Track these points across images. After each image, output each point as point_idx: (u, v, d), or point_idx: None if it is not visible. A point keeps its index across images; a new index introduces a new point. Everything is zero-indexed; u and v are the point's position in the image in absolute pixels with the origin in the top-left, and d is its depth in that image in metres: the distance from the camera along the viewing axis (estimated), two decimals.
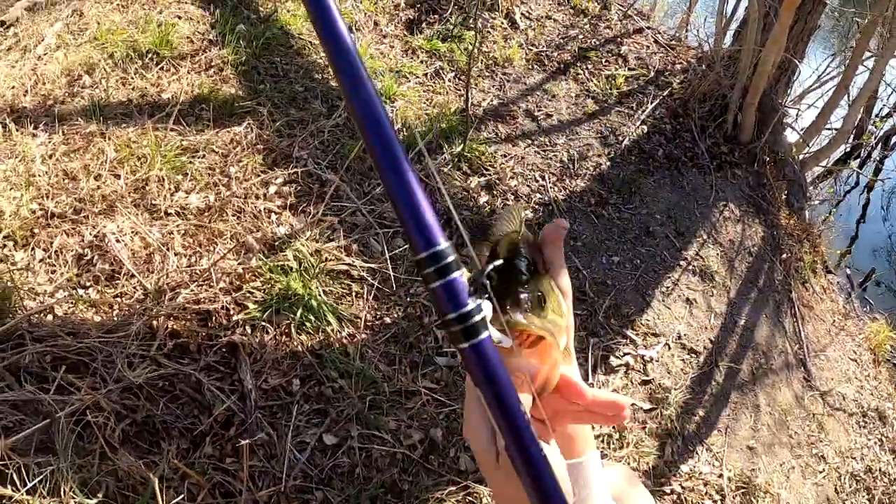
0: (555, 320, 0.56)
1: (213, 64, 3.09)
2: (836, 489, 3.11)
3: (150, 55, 3.10)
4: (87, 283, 2.49)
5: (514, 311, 0.54)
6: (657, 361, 3.00)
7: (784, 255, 3.97)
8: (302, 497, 2.10)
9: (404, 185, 0.50)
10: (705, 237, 3.62)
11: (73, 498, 1.97)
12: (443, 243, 0.50)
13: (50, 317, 2.42)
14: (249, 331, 2.29)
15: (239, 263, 2.37)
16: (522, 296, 0.56)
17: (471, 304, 0.50)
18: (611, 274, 3.19)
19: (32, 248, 2.62)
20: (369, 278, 2.52)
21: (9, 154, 2.91)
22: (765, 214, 4.00)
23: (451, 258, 0.50)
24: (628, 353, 2.95)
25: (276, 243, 2.43)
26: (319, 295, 2.39)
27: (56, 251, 2.56)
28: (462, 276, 0.50)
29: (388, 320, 2.54)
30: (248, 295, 2.34)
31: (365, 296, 2.51)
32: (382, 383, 2.40)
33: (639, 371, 2.92)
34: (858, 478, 3.24)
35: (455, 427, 2.42)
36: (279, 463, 2.12)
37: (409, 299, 2.59)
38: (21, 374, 2.25)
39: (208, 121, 2.79)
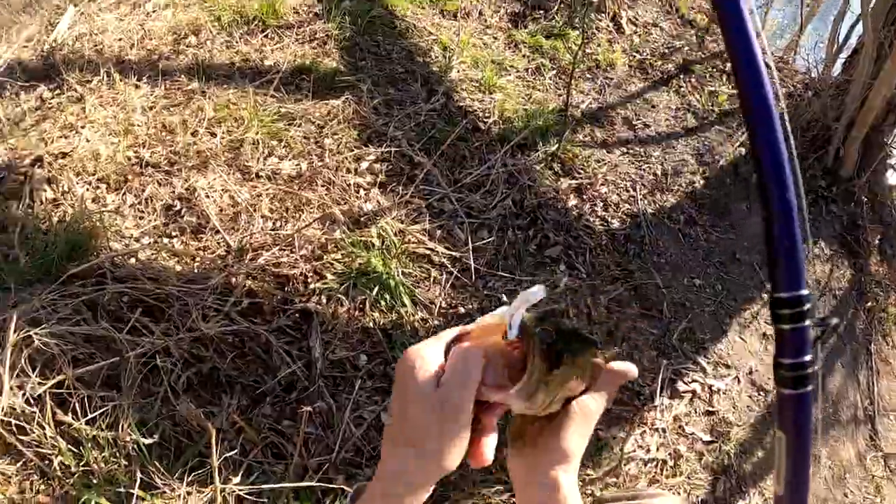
0: (545, 395, 0.61)
1: (316, 36, 3.12)
2: None
3: (256, 22, 3.15)
4: (173, 233, 2.53)
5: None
6: (724, 394, 2.87)
7: (868, 304, 3.75)
8: (350, 470, 2.08)
9: (789, 222, 0.52)
10: None
11: (130, 434, 2.00)
12: (806, 290, 0.51)
13: (133, 260, 2.47)
14: (325, 300, 2.28)
15: (322, 233, 2.36)
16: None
17: (808, 357, 0.52)
18: (690, 296, 3.07)
19: (124, 193, 2.69)
20: (449, 266, 2.48)
21: (111, 102, 3.01)
22: (855, 257, 3.78)
23: (808, 306, 0.51)
24: (696, 381, 2.84)
25: (362, 219, 2.42)
26: (398, 275, 2.36)
27: (146, 199, 2.62)
28: (811, 327, 0.51)
29: (462, 310, 2.50)
30: (327, 265, 2.33)
31: (442, 283, 2.47)
32: None
33: (704, 401, 2.80)
34: None
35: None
36: (334, 434, 2.11)
37: (485, 293, 2.54)
38: (98, 311, 2.31)
39: (307, 91, 2.81)
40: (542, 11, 3.84)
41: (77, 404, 2.03)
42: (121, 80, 3.00)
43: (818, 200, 3.74)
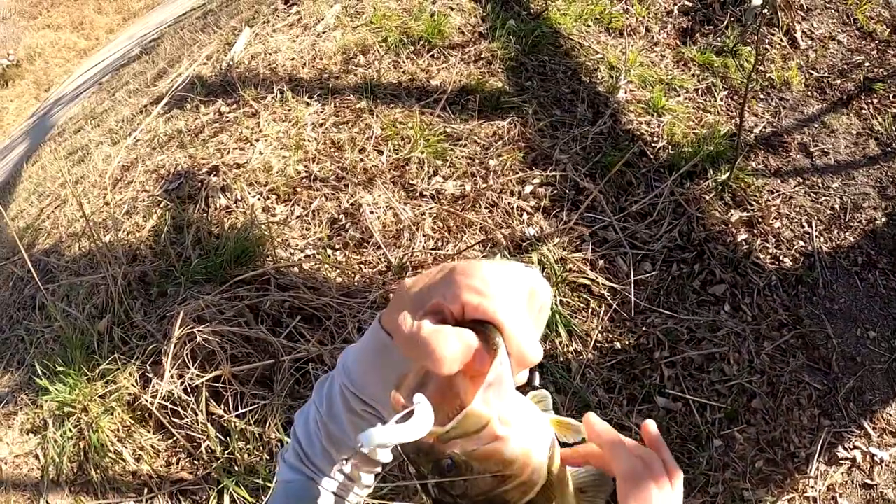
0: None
1: (482, 56, 3.13)
2: None
3: (421, 42, 3.22)
4: (336, 246, 2.63)
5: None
6: (887, 466, 2.53)
7: None
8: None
9: None
10: None
11: (276, 433, 2.09)
12: None
13: (296, 269, 2.59)
14: None
15: (483, 256, 2.34)
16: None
17: None
18: (863, 350, 2.75)
19: (293, 205, 2.82)
20: (609, 298, 2.38)
21: (283, 118, 3.19)
22: None
23: None
24: (858, 448, 2.52)
25: (523, 244, 2.38)
26: (555, 304, 2.30)
27: (313, 211, 2.74)
28: None
29: (618, 345, 2.38)
30: None
31: (601, 315, 2.37)
32: (596, 410, 2.25)
33: (864, 471, 2.49)
34: None
35: None
36: None
37: (644, 329, 2.41)
38: (259, 315, 2.44)
39: (473, 111, 2.82)
40: (711, 26, 3.62)
41: (230, 398, 2.16)
42: (293, 98, 3.17)
43: None
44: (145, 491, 2.12)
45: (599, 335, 2.37)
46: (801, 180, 3.08)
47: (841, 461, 2.45)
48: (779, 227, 2.84)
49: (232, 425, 2.15)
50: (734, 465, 2.31)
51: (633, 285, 2.38)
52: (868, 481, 2.44)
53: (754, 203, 2.82)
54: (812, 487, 2.34)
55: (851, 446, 2.50)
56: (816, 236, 2.92)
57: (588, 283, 2.37)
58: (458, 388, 0.49)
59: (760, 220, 2.80)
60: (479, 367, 0.47)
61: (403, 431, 0.44)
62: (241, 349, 2.34)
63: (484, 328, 0.47)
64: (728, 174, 2.76)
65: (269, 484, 2.01)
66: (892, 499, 2.43)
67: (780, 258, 2.79)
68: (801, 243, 2.86)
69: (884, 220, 3.13)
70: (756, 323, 2.61)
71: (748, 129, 3.15)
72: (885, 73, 3.79)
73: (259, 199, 2.89)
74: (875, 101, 3.62)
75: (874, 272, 2.95)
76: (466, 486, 0.49)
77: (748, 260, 2.68)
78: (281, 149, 3.02)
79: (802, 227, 2.92)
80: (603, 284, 2.38)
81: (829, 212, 3.03)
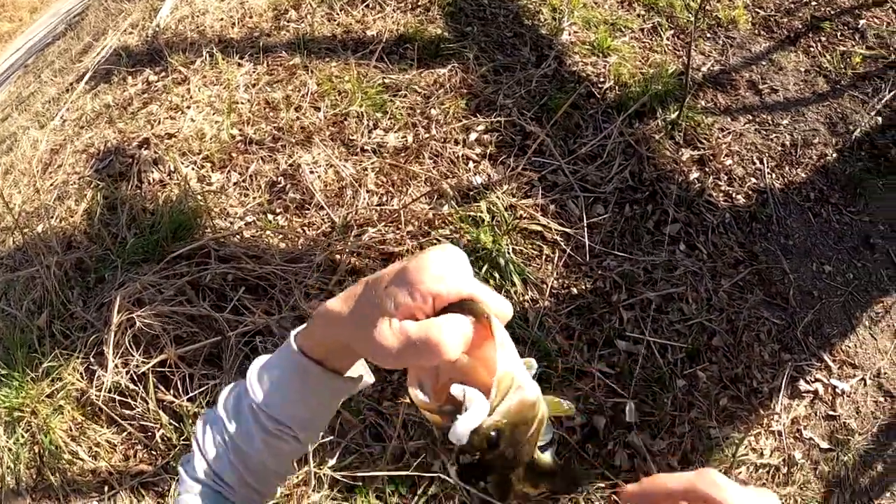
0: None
1: (419, 3, 3.00)
2: None
3: None
4: (277, 210, 2.50)
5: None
6: (848, 397, 2.57)
7: None
8: (450, 456, 1.97)
9: None
10: None
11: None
12: None
13: (237, 238, 2.45)
14: None
15: (430, 208, 2.25)
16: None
17: None
18: (819, 284, 2.76)
19: (229, 171, 2.68)
20: (562, 243, 2.31)
21: (214, 81, 3.01)
22: None
23: None
24: (819, 381, 2.54)
25: (471, 192, 2.28)
26: (508, 253, 2.22)
27: (251, 176, 2.60)
28: None
29: (574, 291, 2.32)
30: (434, 241, 2.21)
31: (555, 261, 2.30)
32: (556, 358, 2.21)
33: (826, 403, 2.51)
34: None
35: (620, 419, 2.17)
36: None
37: (600, 272, 2.35)
38: (201, 290, 2.31)
39: (412, 60, 2.69)
40: None
41: (179, 382, 2.05)
42: (223, 60, 3.00)
43: None
44: (106, 489, 2.00)
45: (555, 282, 2.31)
46: (750, 118, 3.04)
47: (803, 394, 2.46)
48: (730, 165, 2.81)
49: (184, 410, 2.03)
50: (699, 404, 2.29)
51: (586, 229, 2.32)
52: (831, 412, 2.46)
53: (705, 141, 2.78)
54: (777, 421, 2.34)
55: (813, 379, 2.51)
56: (768, 173, 2.90)
57: (540, 229, 2.30)
58: (461, 367, 0.51)
59: (712, 157, 2.76)
60: (478, 341, 0.50)
61: (477, 412, 0.47)
62: (185, 329, 2.22)
63: (461, 306, 0.50)
64: (677, 113, 2.71)
65: None
66: (854, 428, 2.46)
67: (733, 195, 2.76)
68: (754, 180, 2.84)
69: (834, 155, 3.13)
70: (712, 261, 2.59)
71: (696, 67, 3.09)
72: (833, 12, 3.79)
73: (193, 169, 2.73)
74: (823, 39, 3.61)
75: (827, 207, 2.95)
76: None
77: (701, 198, 2.65)
78: (213, 114, 2.86)
79: (754, 163, 2.89)
80: (555, 230, 2.31)
81: (779, 148, 3.01)
